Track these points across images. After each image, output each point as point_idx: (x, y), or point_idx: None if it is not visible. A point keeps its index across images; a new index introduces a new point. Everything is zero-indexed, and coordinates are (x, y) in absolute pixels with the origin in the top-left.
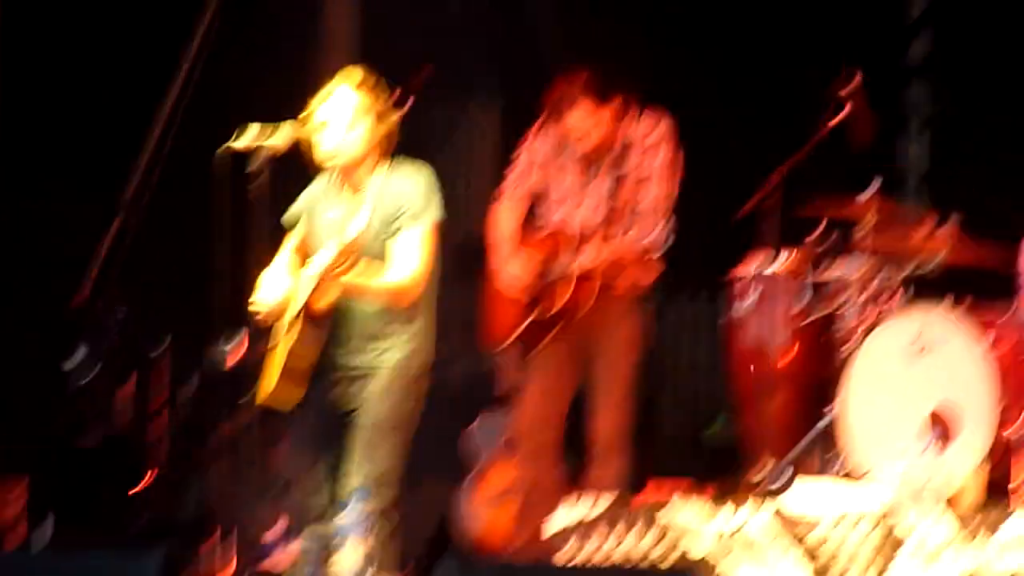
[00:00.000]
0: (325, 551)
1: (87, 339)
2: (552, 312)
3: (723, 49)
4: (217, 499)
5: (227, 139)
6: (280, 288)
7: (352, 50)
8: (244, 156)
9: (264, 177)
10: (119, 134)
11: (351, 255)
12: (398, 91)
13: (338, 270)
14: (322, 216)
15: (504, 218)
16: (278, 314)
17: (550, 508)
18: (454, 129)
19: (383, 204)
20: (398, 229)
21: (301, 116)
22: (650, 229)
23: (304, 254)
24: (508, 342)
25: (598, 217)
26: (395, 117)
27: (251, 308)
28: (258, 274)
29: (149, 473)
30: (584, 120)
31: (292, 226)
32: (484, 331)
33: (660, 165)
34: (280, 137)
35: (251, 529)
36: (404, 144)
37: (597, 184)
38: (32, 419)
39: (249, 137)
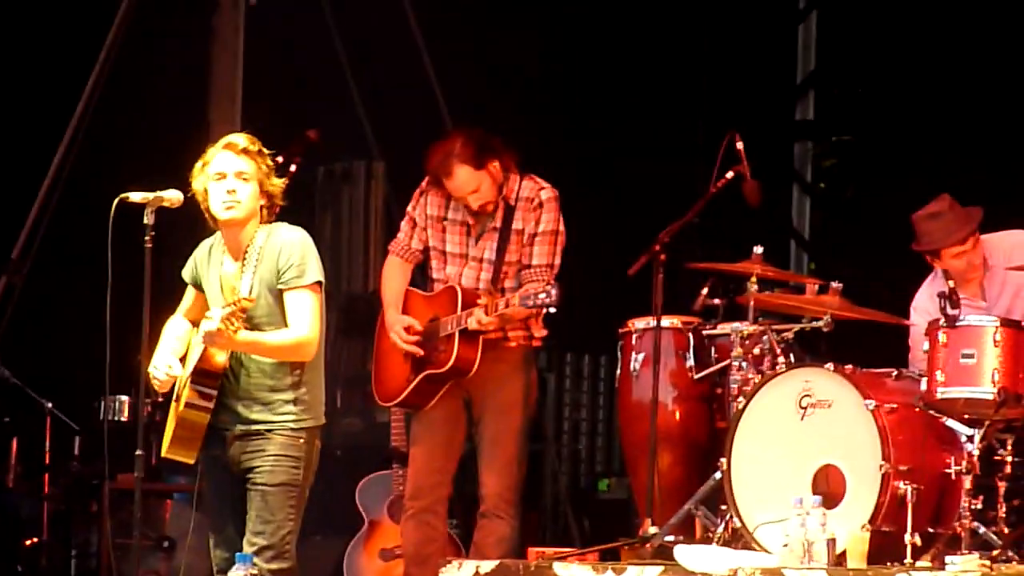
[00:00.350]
0: None
1: None
2: (440, 370)
3: (617, 109)
4: (106, 556)
5: (112, 197)
6: (174, 358)
7: (236, 110)
8: (138, 210)
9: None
10: (2, 195)
11: (239, 314)
12: (283, 154)
13: (230, 328)
14: (209, 276)
15: (391, 275)
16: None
17: (435, 568)
18: (341, 188)
19: (264, 266)
20: (281, 290)
21: (196, 170)
22: (538, 287)
23: (197, 313)
24: (397, 400)
25: (486, 275)
26: (278, 182)
27: (153, 382)
28: (149, 329)
29: (37, 531)
30: (464, 184)
31: (191, 281)
32: (374, 388)
33: (546, 225)
34: (174, 191)
35: None
36: (291, 202)
37: (483, 244)
38: None
39: (144, 192)
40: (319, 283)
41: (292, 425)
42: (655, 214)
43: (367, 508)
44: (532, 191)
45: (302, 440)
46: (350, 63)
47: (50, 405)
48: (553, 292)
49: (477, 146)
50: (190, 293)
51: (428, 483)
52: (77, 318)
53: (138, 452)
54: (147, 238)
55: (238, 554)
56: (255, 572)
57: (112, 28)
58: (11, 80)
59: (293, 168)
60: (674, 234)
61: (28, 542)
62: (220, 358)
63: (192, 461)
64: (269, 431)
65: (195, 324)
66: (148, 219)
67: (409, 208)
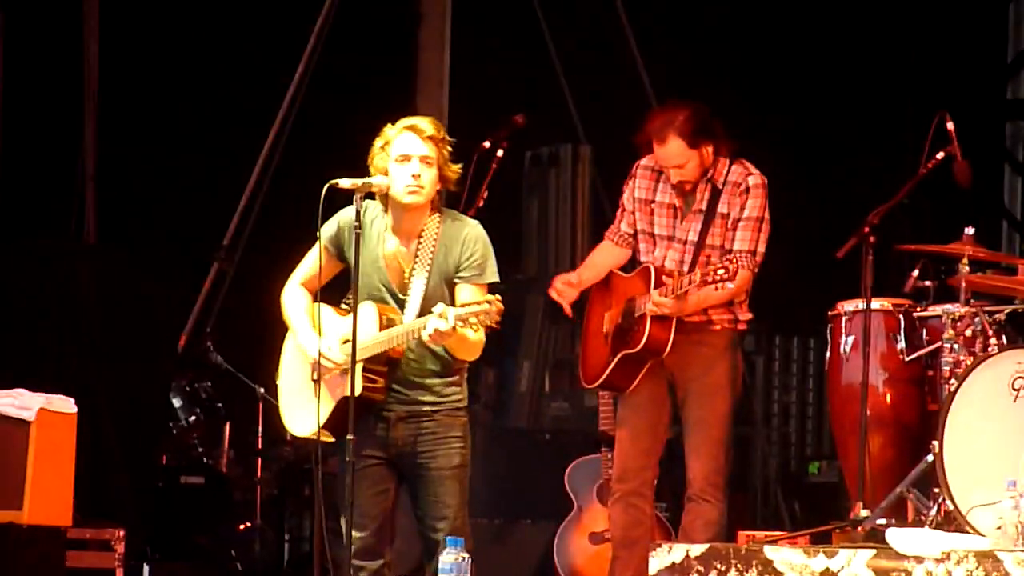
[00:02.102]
0: None
1: (187, 385)
2: (633, 350)
3: (825, 91)
4: (318, 540)
5: (320, 185)
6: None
7: (444, 95)
8: (347, 196)
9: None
10: (214, 182)
11: (496, 316)
12: (490, 139)
13: (469, 328)
14: (365, 252)
15: (595, 251)
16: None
17: (644, 551)
18: (548, 172)
19: (443, 254)
20: (461, 279)
21: (376, 149)
22: (736, 272)
23: (319, 280)
24: (599, 381)
25: (688, 257)
26: (456, 168)
27: (327, 361)
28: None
29: (250, 515)
30: (672, 157)
31: (330, 244)
32: (580, 370)
33: (751, 211)
34: (382, 177)
35: (349, 570)
36: (498, 187)
37: (687, 225)
38: (133, 463)
39: (353, 178)
40: (494, 284)
41: (458, 404)
42: (865, 195)
43: (576, 492)
44: (740, 176)
45: (464, 419)
46: (556, 47)
47: (262, 390)
48: (730, 267)
49: (698, 124)
50: (317, 257)
51: (634, 466)
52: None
53: (349, 436)
54: (356, 224)
55: (448, 538)
56: (465, 555)
57: (320, 15)
58: (221, 69)
59: (500, 153)
60: (884, 215)
61: (241, 526)
62: (403, 347)
63: (350, 437)
64: (436, 412)
65: (311, 290)
66: (357, 205)
67: (624, 188)
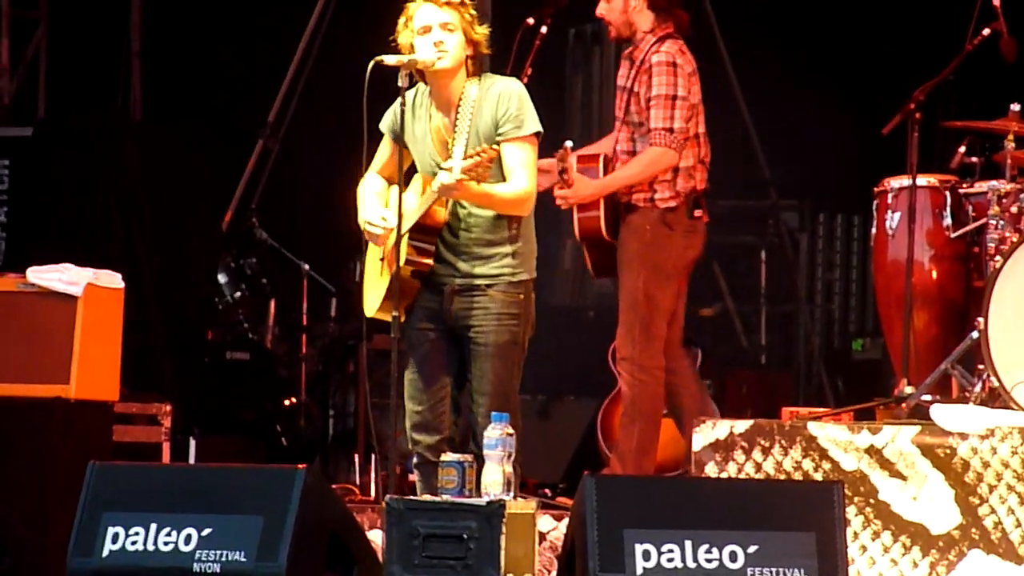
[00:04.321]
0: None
1: (233, 261)
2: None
3: None
4: (363, 417)
5: (365, 61)
6: (386, 211)
7: None
8: (392, 72)
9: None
10: (259, 59)
11: (487, 164)
12: (534, 16)
13: (471, 178)
14: (416, 130)
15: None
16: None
17: (689, 427)
18: (592, 49)
19: (481, 118)
20: (502, 138)
21: (400, 26)
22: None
23: (393, 168)
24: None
25: (619, 134)
26: (482, 30)
27: (370, 236)
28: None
29: (295, 391)
30: None
31: (389, 133)
32: None
33: (657, 88)
34: (427, 54)
35: (395, 444)
36: (541, 64)
37: (619, 103)
38: (179, 338)
39: (398, 55)
40: (537, 134)
41: (511, 279)
42: (911, 72)
43: None
44: (649, 54)
45: (521, 295)
46: None
47: (307, 267)
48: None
49: None
50: (386, 147)
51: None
52: (332, 180)
53: (394, 313)
54: (402, 101)
55: (494, 414)
56: (511, 432)
57: None
58: None
59: (544, 30)
60: (930, 92)
61: (286, 402)
62: (441, 213)
63: (395, 315)
64: (489, 286)
65: (389, 180)
66: (402, 82)
67: None
